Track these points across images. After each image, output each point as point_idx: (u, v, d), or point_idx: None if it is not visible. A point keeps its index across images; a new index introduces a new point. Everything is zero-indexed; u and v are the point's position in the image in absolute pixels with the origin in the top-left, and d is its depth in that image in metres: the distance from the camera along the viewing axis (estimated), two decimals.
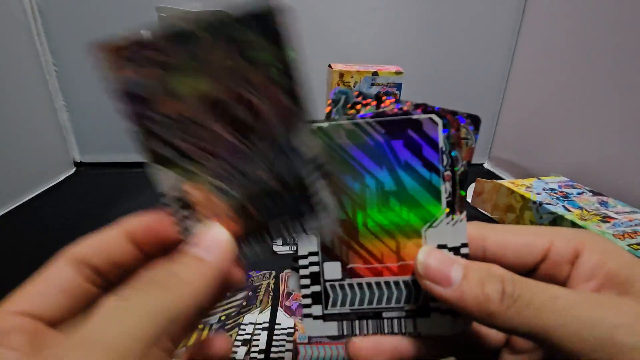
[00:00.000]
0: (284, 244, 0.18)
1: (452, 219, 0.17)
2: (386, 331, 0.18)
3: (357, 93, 0.18)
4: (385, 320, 0.18)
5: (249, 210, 0.17)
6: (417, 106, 0.17)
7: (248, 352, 0.32)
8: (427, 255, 0.16)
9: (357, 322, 0.18)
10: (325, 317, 0.18)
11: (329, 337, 0.18)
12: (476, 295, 0.14)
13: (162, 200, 0.17)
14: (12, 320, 0.14)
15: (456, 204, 0.17)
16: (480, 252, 0.17)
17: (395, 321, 0.18)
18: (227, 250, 0.16)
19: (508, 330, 0.14)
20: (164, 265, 0.15)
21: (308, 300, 0.18)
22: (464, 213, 0.17)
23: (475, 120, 0.17)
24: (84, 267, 0.16)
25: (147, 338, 0.12)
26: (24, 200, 0.59)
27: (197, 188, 0.16)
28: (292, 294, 0.38)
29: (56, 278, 0.15)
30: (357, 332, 0.18)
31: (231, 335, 0.33)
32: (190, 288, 0.14)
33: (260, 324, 0.34)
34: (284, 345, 0.32)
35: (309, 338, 0.33)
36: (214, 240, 0.16)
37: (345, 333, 0.18)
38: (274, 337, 0.33)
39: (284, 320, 0.35)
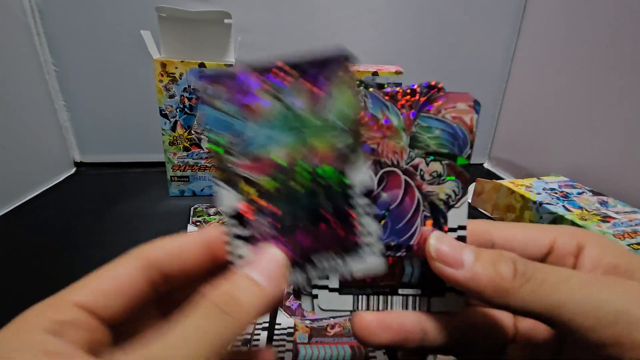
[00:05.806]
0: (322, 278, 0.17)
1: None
2: (400, 308, 0.18)
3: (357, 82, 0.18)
4: (401, 297, 0.18)
5: (298, 238, 0.16)
6: (430, 87, 0.17)
7: None
8: (438, 240, 0.16)
9: (373, 297, 0.18)
10: (341, 290, 0.17)
11: (342, 310, 0.17)
12: (489, 274, 0.14)
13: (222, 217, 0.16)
14: (72, 312, 0.13)
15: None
16: (489, 247, 0.18)
17: (410, 298, 0.18)
18: (283, 275, 0.16)
19: (522, 309, 0.14)
20: (222, 286, 0.14)
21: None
22: (465, 197, 0.17)
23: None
24: (155, 271, 0.16)
25: None
26: (24, 200, 0.58)
27: (252, 208, 0.16)
28: (292, 294, 0.38)
29: (122, 278, 0.15)
30: (372, 307, 0.17)
31: None
32: (248, 316, 0.14)
33: (260, 323, 0.34)
34: (284, 345, 0.32)
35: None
36: (270, 263, 0.16)
37: (360, 308, 0.17)
38: (274, 337, 0.33)
39: (284, 320, 0.35)
